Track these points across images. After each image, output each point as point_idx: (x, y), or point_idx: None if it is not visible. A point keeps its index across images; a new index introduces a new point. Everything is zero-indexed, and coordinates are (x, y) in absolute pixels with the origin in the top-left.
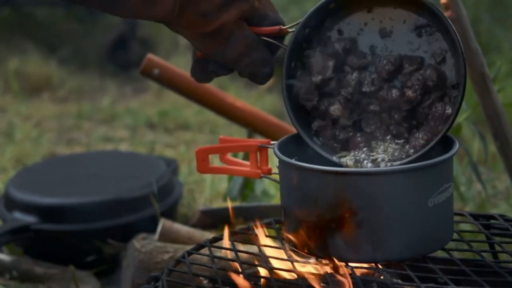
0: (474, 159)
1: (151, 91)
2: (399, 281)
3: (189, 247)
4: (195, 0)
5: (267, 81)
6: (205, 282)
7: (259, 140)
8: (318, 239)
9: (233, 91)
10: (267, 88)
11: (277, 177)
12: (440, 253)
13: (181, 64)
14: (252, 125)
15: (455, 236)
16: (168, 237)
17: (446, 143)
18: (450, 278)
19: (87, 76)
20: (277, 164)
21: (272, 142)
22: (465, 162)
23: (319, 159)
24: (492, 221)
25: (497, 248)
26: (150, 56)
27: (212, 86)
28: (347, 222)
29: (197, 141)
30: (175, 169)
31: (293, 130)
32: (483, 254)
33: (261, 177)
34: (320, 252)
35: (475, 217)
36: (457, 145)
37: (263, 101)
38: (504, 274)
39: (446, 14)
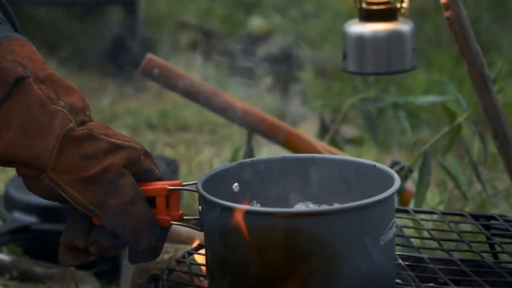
0: (474, 159)
1: (151, 91)
2: (399, 281)
3: (189, 247)
4: (79, 141)
5: (153, 250)
6: (204, 282)
7: (167, 182)
8: None
9: (233, 91)
10: (267, 88)
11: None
12: (440, 254)
13: (181, 64)
14: (252, 125)
15: (455, 236)
16: (168, 237)
17: (384, 177)
18: (450, 278)
19: (87, 76)
20: (199, 207)
21: (184, 183)
22: (465, 162)
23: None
24: (492, 221)
25: (497, 248)
26: (150, 56)
27: (212, 86)
28: (298, 271)
29: (197, 141)
30: (175, 169)
31: (293, 130)
32: (483, 254)
33: (170, 225)
34: None
35: (475, 217)
36: (398, 179)
37: (263, 101)
38: (504, 274)
39: (446, 14)
